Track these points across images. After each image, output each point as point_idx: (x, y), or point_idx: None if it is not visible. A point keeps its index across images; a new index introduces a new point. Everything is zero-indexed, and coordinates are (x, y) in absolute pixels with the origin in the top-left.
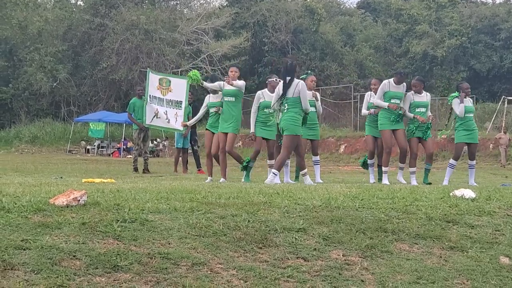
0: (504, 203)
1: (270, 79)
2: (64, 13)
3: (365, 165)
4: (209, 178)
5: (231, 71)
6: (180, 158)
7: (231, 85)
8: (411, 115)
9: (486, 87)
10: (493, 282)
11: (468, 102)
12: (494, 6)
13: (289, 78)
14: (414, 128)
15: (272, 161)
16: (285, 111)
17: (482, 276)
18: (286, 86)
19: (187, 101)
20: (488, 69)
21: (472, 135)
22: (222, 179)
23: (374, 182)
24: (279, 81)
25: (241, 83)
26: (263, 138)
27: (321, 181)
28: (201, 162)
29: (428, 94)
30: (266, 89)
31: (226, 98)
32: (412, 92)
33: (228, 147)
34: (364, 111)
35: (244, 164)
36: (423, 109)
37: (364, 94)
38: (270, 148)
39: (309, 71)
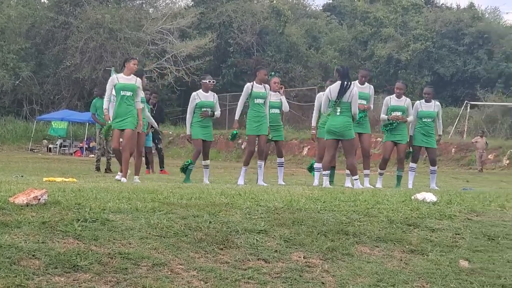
0: (464, 207)
1: (204, 80)
2: (28, 10)
3: (311, 169)
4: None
5: (132, 63)
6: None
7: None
8: (385, 117)
9: (449, 91)
10: (452, 285)
11: (429, 107)
12: (459, 11)
13: (347, 82)
14: (387, 130)
15: (208, 161)
16: (338, 114)
17: (441, 279)
18: (343, 91)
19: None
20: (451, 74)
21: (429, 140)
22: (123, 178)
23: (318, 185)
24: (213, 82)
25: (138, 81)
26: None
27: (283, 183)
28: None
29: (407, 99)
30: (200, 90)
31: (123, 93)
32: (391, 96)
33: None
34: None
35: (184, 166)
36: (399, 114)
37: None
38: (206, 148)
39: (273, 73)
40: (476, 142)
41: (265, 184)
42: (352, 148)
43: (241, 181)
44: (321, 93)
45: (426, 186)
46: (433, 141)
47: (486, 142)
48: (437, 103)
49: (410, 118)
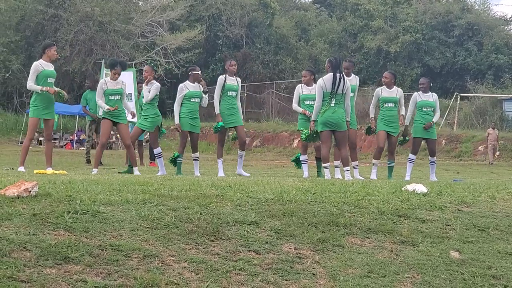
0: (455, 198)
1: (194, 71)
2: (18, 3)
3: (297, 161)
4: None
5: (53, 50)
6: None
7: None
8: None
9: (439, 83)
10: (443, 276)
11: (428, 97)
12: (448, 3)
13: (340, 75)
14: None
15: (197, 154)
16: (333, 106)
17: (432, 270)
18: (339, 83)
19: (137, 92)
20: (441, 66)
21: (430, 131)
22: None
23: (309, 176)
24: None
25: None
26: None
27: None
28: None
29: (399, 89)
30: (187, 81)
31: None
32: (382, 87)
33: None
34: (296, 105)
35: (172, 158)
36: (391, 105)
37: None
38: (194, 141)
39: (151, 64)
40: (488, 134)
41: (246, 174)
42: (346, 139)
43: (221, 173)
44: (299, 85)
45: (417, 178)
46: (434, 132)
47: (497, 134)
48: (434, 94)
49: (402, 111)
